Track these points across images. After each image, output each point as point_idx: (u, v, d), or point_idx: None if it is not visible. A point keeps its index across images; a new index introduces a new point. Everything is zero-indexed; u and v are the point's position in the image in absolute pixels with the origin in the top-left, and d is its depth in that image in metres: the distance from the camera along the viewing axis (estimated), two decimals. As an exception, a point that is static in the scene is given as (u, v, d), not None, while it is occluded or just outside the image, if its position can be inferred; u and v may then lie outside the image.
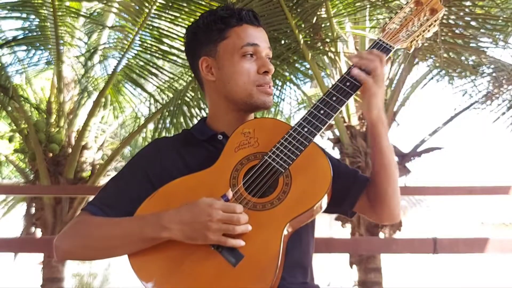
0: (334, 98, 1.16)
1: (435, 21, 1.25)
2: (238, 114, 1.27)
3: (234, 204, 1.05)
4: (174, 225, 1.04)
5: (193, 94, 4.14)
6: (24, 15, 4.16)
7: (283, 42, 3.74)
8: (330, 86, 1.22)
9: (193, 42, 1.31)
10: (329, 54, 3.94)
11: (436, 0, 1.25)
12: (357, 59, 1.16)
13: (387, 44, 1.21)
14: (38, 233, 4.42)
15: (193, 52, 1.31)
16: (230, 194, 1.08)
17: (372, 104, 1.15)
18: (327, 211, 1.19)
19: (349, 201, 1.28)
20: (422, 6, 1.25)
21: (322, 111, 1.15)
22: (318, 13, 3.65)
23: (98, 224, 1.14)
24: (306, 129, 1.14)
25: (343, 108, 1.17)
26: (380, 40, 1.22)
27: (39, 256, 4.36)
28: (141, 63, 4.34)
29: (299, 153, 1.11)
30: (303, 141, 1.12)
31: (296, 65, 4.19)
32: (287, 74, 4.28)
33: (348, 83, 1.17)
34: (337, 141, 4.14)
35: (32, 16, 4.15)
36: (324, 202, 1.12)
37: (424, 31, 1.25)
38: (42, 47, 4.41)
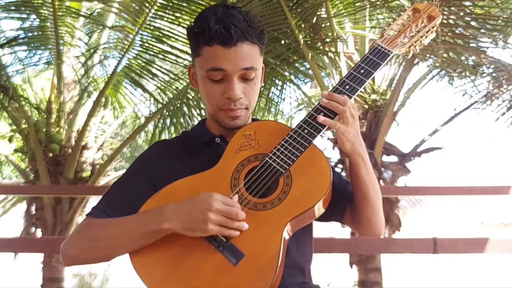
0: None
1: (433, 27, 1.28)
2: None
3: (233, 199, 1.07)
4: (174, 215, 1.05)
5: (193, 94, 4.15)
6: (24, 15, 4.16)
7: (283, 42, 3.74)
8: (330, 87, 1.23)
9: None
10: (329, 54, 3.94)
11: (433, 8, 1.28)
12: (326, 101, 1.15)
13: (385, 49, 1.23)
14: (38, 233, 4.42)
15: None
16: (235, 198, 1.08)
17: (343, 140, 1.15)
18: (323, 219, 1.21)
19: (337, 212, 1.29)
20: (420, 13, 1.28)
21: (322, 114, 1.15)
22: (318, 13, 3.65)
23: (101, 224, 1.15)
24: (306, 131, 1.15)
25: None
26: (378, 45, 1.24)
27: (39, 256, 4.35)
28: (142, 63, 4.34)
29: (299, 154, 1.12)
30: (303, 143, 1.13)
31: (296, 65, 4.19)
32: (287, 74, 4.28)
33: (347, 86, 1.19)
34: (337, 141, 4.13)
35: (33, 16, 4.16)
36: (325, 202, 1.12)
37: (422, 37, 1.28)
38: (42, 47, 4.42)
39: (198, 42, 1.19)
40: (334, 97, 1.15)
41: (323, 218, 1.20)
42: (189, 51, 1.50)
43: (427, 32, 1.27)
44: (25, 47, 4.43)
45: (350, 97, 1.17)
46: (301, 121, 1.17)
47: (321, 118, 1.13)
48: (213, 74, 1.19)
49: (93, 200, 4.45)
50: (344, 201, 1.29)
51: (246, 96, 1.23)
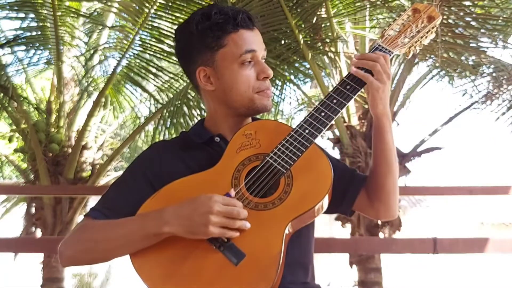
0: (334, 101, 1.17)
1: (433, 28, 1.29)
2: (238, 118, 1.27)
3: (234, 199, 1.06)
4: (174, 219, 1.04)
5: (193, 94, 4.14)
6: (24, 15, 4.16)
7: (283, 42, 3.74)
8: (330, 87, 1.23)
9: (188, 47, 1.27)
10: (329, 54, 3.94)
11: (433, 8, 1.28)
12: (356, 60, 1.18)
13: (386, 49, 1.23)
14: (38, 233, 4.42)
15: (188, 58, 1.28)
16: (232, 192, 1.08)
17: (376, 99, 1.17)
18: (327, 211, 1.20)
19: (347, 201, 1.29)
20: (420, 14, 1.28)
21: (323, 114, 1.16)
22: (318, 13, 3.65)
23: (99, 226, 1.15)
24: (307, 131, 1.14)
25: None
26: (379, 45, 1.24)
27: (39, 256, 4.35)
28: (141, 63, 4.34)
29: (300, 154, 1.12)
30: (304, 143, 1.13)
31: (296, 65, 4.19)
32: (287, 74, 4.28)
33: (348, 86, 1.19)
34: (337, 141, 4.14)
35: (32, 16, 4.16)
36: (326, 202, 1.12)
37: (422, 37, 1.28)
38: (42, 47, 4.42)
39: (223, 33, 1.20)
40: (366, 56, 1.18)
41: (330, 210, 1.19)
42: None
43: (427, 32, 1.28)
44: (25, 47, 4.43)
45: (352, 97, 1.17)
46: (302, 121, 1.16)
47: (354, 69, 1.17)
48: (246, 57, 1.21)
49: (93, 200, 4.46)
50: (355, 189, 1.29)
51: None
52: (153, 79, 4.42)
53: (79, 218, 4.36)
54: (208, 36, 1.21)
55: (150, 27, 4.03)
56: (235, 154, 1.17)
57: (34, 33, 4.30)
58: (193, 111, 4.24)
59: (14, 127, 4.72)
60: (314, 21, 3.66)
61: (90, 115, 4.43)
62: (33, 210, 4.50)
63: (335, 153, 4.22)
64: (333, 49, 3.88)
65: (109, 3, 4.17)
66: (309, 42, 3.77)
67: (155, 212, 1.08)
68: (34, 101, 4.79)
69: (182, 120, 4.23)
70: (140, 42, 4.18)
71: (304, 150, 1.12)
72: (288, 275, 1.09)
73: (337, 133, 4.12)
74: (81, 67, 4.67)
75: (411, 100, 4.51)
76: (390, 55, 1.22)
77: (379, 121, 1.21)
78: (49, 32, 4.12)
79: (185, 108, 4.20)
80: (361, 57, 1.19)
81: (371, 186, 1.28)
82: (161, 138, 4.20)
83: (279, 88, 4.37)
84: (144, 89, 4.77)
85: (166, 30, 3.97)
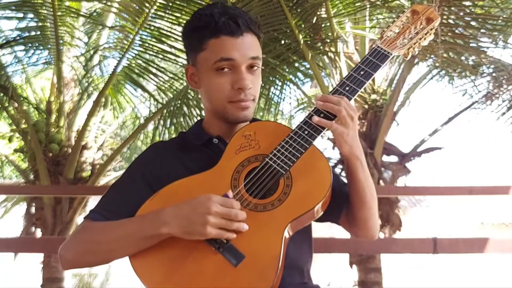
0: None
1: (431, 29, 1.29)
2: (226, 122, 1.27)
3: (232, 200, 1.06)
4: (172, 219, 1.04)
5: (193, 94, 4.15)
6: (24, 15, 4.16)
7: (283, 42, 3.74)
8: (330, 87, 1.22)
9: (184, 45, 1.32)
10: (329, 54, 3.94)
11: (431, 10, 1.29)
12: (321, 103, 1.15)
13: (385, 50, 1.23)
14: (38, 233, 4.42)
15: (186, 55, 1.33)
16: (230, 194, 1.08)
17: (341, 142, 1.14)
18: (318, 220, 1.20)
19: (335, 211, 1.29)
20: (418, 15, 1.29)
21: (321, 115, 1.15)
22: (318, 13, 3.65)
23: (99, 228, 1.15)
24: (306, 132, 1.14)
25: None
26: (378, 46, 1.24)
27: (39, 256, 4.36)
28: (141, 63, 4.34)
29: (299, 155, 1.12)
30: (304, 144, 1.13)
31: (296, 65, 4.20)
32: (287, 74, 4.28)
33: (347, 88, 1.19)
34: (337, 141, 4.14)
35: (32, 16, 4.16)
36: (324, 204, 1.12)
37: (420, 39, 1.28)
38: (42, 47, 4.42)
39: (203, 36, 1.20)
40: (328, 99, 1.14)
41: (319, 218, 1.20)
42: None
43: (425, 34, 1.28)
44: (24, 47, 4.42)
45: (350, 99, 1.17)
46: (301, 122, 1.16)
47: (315, 119, 1.13)
48: (222, 65, 1.19)
49: (93, 200, 4.46)
50: (341, 202, 1.28)
51: (253, 87, 1.23)
52: (153, 79, 4.42)
53: (79, 218, 4.36)
54: (193, 37, 1.23)
55: (150, 27, 4.03)
56: (234, 155, 1.17)
57: (34, 33, 4.30)
58: (193, 111, 4.24)
59: (14, 127, 4.72)
60: (314, 21, 3.66)
61: (90, 115, 4.43)
62: (33, 210, 4.50)
63: (335, 153, 4.22)
64: (333, 49, 3.88)
65: (109, 3, 4.17)
66: (309, 42, 3.77)
67: (153, 213, 1.09)
68: (34, 101, 4.80)
69: (182, 120, 4.23)
70: (140, 42, 4.18)
71: (303, 151, 1.12)
72: (286, 276, 1.09)
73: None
74: (81, 67, 4.67)
75: (411, 100, 4.51)
76: (389, 57, 1.22)
77: (348, 161, 1.19)
78: (49, 32, 4.12)
79: (185, 108, 4.21)
80: (324, 99, 1.14)
81: (349, 214, 1.28)
82: (161, 138, 4.21)
83: (279, 88, 4.37)
84: (144, 89, 4.77)
85: (166, 30, 3.97)
